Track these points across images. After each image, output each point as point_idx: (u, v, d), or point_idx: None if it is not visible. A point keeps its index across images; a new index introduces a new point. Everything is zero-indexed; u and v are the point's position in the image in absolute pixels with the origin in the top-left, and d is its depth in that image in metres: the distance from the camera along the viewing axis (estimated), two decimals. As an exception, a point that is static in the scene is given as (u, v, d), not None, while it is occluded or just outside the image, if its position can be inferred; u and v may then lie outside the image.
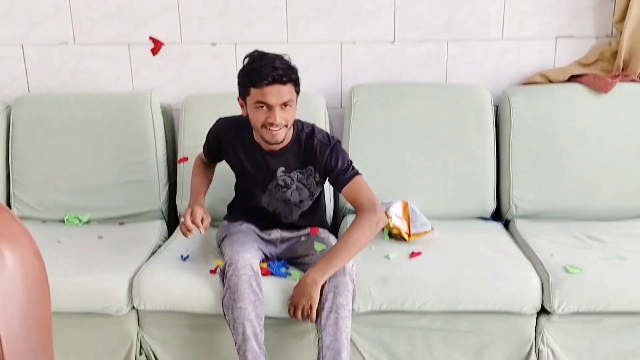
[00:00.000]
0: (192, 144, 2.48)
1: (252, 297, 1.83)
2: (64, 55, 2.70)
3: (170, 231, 2.53)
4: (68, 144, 2.54)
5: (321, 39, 2.65)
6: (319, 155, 2.00)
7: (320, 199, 2.19)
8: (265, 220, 2.15)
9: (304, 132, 2.03)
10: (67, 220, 2.53)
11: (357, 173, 2.02)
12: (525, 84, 2.65)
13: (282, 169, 2.04)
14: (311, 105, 2.50)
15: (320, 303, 1.87)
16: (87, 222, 2.54)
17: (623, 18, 2.49)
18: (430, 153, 2.51)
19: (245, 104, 1.92)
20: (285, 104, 1.86)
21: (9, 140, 2.57)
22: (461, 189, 2.51)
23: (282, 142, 1.95)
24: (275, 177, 2.05)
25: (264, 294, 1.90)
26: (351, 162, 2.04)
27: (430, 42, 2.65)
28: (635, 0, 2.43)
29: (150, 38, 2.67)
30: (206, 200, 2.14)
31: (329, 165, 2.00)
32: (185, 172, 2.50)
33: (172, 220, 2.63)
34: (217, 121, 2.11)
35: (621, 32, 2.50)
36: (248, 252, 1.92)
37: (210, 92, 2.69)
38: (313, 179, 2.06)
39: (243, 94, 1.90)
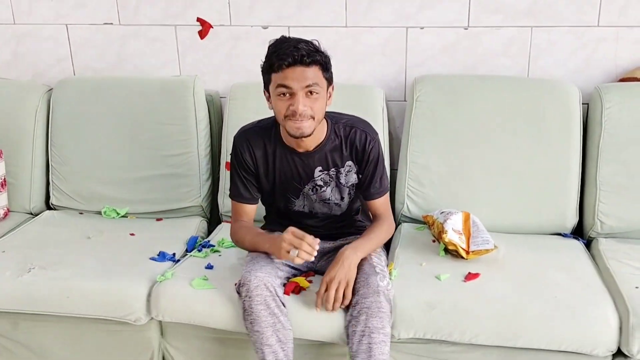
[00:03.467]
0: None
1: (270, 319, 1.74)
2: (108, 37, 2.70)
3: (210, 229, 2.48)
4: (108, 132, 2.53)
5: (384, 23, 2.49)
6: (363, 148, 1.92)
7: (353, 204, 2.07)
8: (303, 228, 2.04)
9: (340, 125, 1.92)
10: (105, 212, 2.53)
11: (388, 188, 2.02)
12: (623, 80, 2.39)
13: (320, 168, 1.94)
14: (368, 99, 2.39)
15: (352, 326, 1.77)
16: (125, 215, 2.53)
17: None
18: (503, 157, 2.32)
19: (269, 95, 1.82)
20: (310, 91, 1.73)
21: (49, 125, 2.60)
22: (537, 199, 2.31)
23: (309, 135, 1.81)
24: (312, 178, 1.95)
25: (292, 314, 1.80)
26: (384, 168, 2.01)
27: (511, 28, 2.43)
28: None
29: (198, 19, 2.60)
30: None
31: (370, 164, 1.94)
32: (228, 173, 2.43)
33: (213, 218, 2.58)
34: (238, 139, 1.95)
35: None
36: (263, 270, 1.80)
37: (259, 80, 2.58)
38: (354, 174, 1.96)
39: (266, 82, 1.81)
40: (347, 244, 2.00)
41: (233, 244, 2.05)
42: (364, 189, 1.98)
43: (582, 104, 2.32)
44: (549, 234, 2.33)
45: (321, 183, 1.96)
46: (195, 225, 2.43)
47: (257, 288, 1.75)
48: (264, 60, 1.78)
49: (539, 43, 2.44)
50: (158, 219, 2.50)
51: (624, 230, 2.25)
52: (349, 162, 1.94)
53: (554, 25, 2.40)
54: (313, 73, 1.73)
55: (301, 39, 1.75)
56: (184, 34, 2.64)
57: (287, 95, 1.74)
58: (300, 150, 1.90)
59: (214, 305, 1.89)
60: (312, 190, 1.97)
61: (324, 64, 1.76)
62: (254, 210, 2.01)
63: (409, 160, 2.36)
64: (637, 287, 1.89)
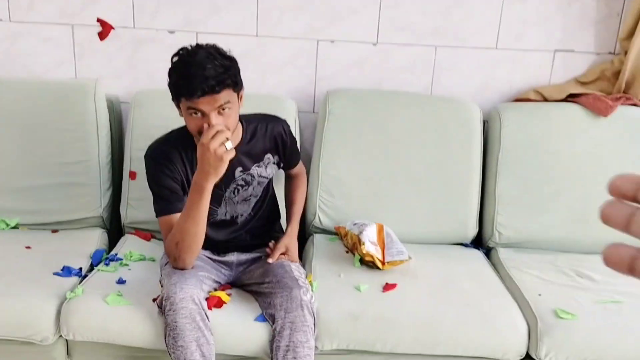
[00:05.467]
0: (142, 146, 2.26)
1: (194, 334, 1.68)
2: (-3, 34, 2.48)
3: (112, 242, 2.34)
4: (-3, 137, 2.32)
5: (296, 35, 2.49)
6: (282, 138, 1.99)
7: (269, 186, 2.07)
8: (218, 242, 1.99)
9: (252, 125, 1.94)
10: (-8, 224, 2.32)
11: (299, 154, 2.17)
12: (518, 100, 2.55)
13: (240, 169, 1.92)
14: (280, 110, 2.34)
15: (276, 341, 1.75)
16: (16, 227, 2.33)
17: (631, 35, 2.39)
18: (410, 170, 2.39)
19: (179, 109, 1.76)
20: (222, 108, 1.69)
21: None
22: (441, 211, 2.40)
23: None
24: (233, 179, 1.92)
25: (215, 329, 1.74)
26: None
27: (417, 46, 2.52)
28: (645, 16, 2.34)
29: (98, 20, 2.46)
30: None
31: (290, 147, 2.03)
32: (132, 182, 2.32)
33: (114, 230, 2.44)
34: (153, 155, 1.85)
35: (626, 51, 2.41)
36: (188, 282, 1.74)
37: (164, 87, 2.49)
38: (274, 165, 2.01)
39: (173, 99, 1.74)
40: (263, 256, 1.99)
41: (175, 264, 1.82)
42: (286, 166, 2.09)
43: (482, 121, 2.44)
44: (452, 243, 2.43)
45: (242, 183, 1.94)
46: (96, 237, 2.29)
47: (182, 300, 1.68)
48: (169, 77, 1.71)
49: (442, 61, 2.54)
50: (54, 231, 2.33)
51: (521, 240, 2.39)
52: (268, 155, 1.96)
53: (457, 45, 2.52)
54: (224, 95, 1.67)
55: (207, 52, 1.67)
56: (82, 34, 2.49)
57: (199, 114, 1.69)
58: None
59: (131, 321, 1.79)
60: (234, 193, 1.94)
61: (234, 84, 1.71)
62: None
63: (320, 171, 2.37)
64: (540, 295, 2.02)
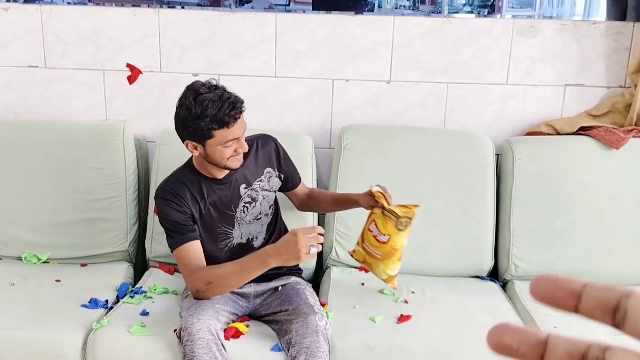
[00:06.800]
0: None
1: None
2: (33, 79, 2.63)
3: (138, 275, 2.43)
4: (31, 175, 2.45)
5: (312, 75, 2.59)
6: (273, 149, 2.10)
7: (277, 206, 2.18)
8: None
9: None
10: (25, 258, 2.43)
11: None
12: (530, 133, 2.59)
13: (244, 185, 2.03)
14: (298, 146, 2.43)
15: None
16: (47, 261, 2.44)
17: (639, 69, 2.43)
18: (424, 203, 2.39)
19: (203, 146, 1.87)
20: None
21: (-32, 167, 2.48)
22: (456, 244, 2.43)
23: None
24: (240, 197, 2.03)
25: (232, 359, 1.80)
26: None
27: (429, 83, 2.59)
28: (652, 51, 2.39)
29: (128, 65, 2.60)
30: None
31: (284, 159, 2.13)
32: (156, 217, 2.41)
33: (140, 263, 2.53)
34: (162, 194, 1.95)
35: (636, 84, 2.45)
36: (205, 313, 1.81)
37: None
38: (276, 178, 2.11)
39: (200, 137, 1.84)
40: (283, 285, 2.05)
41: (197, 296, 1.90)
42: (290, 181, 2.16)
43: (495, 155, 2.49)
44: (468, 276, 2.46)
45: (249, 199, 2.04)
46: (122, 271, 2.38)
47: (199, 331, 1.75)
48: (195, 119, 1.79)
49: (454, 98, 2.60)
50: (83, 264, 2.43)
51: (536, 272, 2.38)
52: (267, 169, 2.08)
53: (468, 82, 2.59)
54: (244, 117, 1.87)
55: (214, 87, 1.83)
56: (112, 78, 2.63)
57: (233, 142, 1.85)
58: (222, 176, 1.98)
59: (153, 352, 1.86)
60: (244, 211, 2.03)
61: None
62: (201, 249, 1.94)
63: (337, 205, 2.44)
64: (555, 327, 2.03)
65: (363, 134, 2.49)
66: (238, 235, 2.05)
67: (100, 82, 2.63)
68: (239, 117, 1.83)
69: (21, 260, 2.43)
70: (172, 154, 2.46)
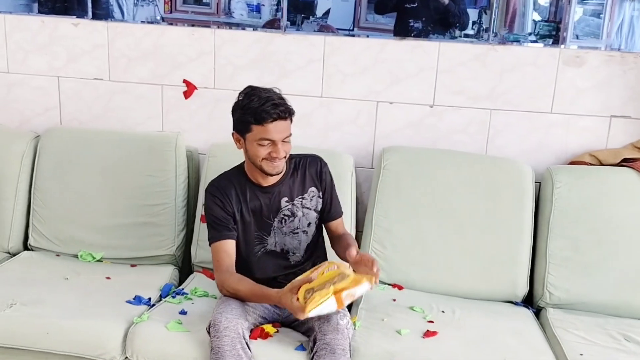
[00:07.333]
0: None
1: (234, 358, 1.83)
2: (97, 91, 2.83)
3: (182, 278, 2.56)
4: (91, 180, 2.63)
5: (357, 96, 2.68)
6: (318, 173, 2.17)
7: (320, 230, 2.24)
8: (269, 280, 2.13)
9: (295, 159, 2.15)
10: (81, 256, 2.60)
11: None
12: (573, 163, 2.60)
13: (286, 199, 2.13)
14: (338, 164, 2.51)
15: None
16: (100, 260, 2.61)
17: (682, 102, 2.43)
18: (461, 226, 2.47)
19: (244, 139, 2.01)
20: (286, 139, 1.99)
21: (34, 169, 2.69)
22: (491, 268, 2.46)
23: (282, 171, 2.06)
24: (280, 209, 2.12)
25: (257, 358, 1.90)
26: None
27: (472, 109, 2.64)
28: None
29: (184, 81, 2.76)
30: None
31: (327, 186, 2.18)
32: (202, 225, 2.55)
33: (185, 267, 2.67)
34: (211, 190, 2.11)
35: (680, 117, 2.43)
36: (233, 312, 1.91)
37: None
38: (317, 198, 2.18)
39: (242, 130, 2.00)
40: None
41: (221, 293, 2.06)
42: (327, 211, 2.19)
43: (535, 182, 2.50)
44: (502, 301, 2.46)
45: (288, 213, 2.13)
46: (169, 273, 2.52)
47: (226, 329, 1.85)
48: (240, 109, 1.98)
49: (497, 124, 2.64)
50: (132, 265, 2.58)
51: (571, 301, 2.39)
52: (312, 188, 2.16)
53: (512, 109, 2.62)
54: (287, 124, 1.98)
55: (271, 91, 1.98)
56: (169, 93, 2.79)
57: (268, 143, 1.96)
58: (266, 184, 2.09)
59: (187, 347, 1.97)
60: (282, 222, 2.12)
61: (292, 116, 1.99)
62: (234, 250, 2.08)
63: (374, 223, 2.50)
64: (581, 355, 2.02)
65: (403, 156, 2.56)
66: (272, 243, 2.15)
67: (159, 96, 2.80)
68: (277, 119, 1.93)
69: (77, 257, 2.61)
70: (221, 165, 2.57)
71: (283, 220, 2.13)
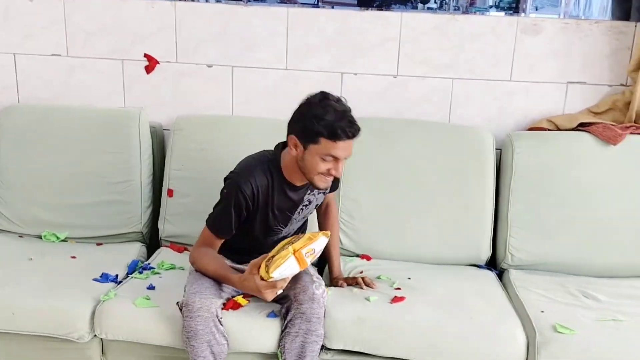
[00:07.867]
0: (180, 167, 2.54)
1: (207, 337, 1.85)
2: (56, 67, 2.77)
3: (150, 254, 2.55)
4: (52, 159, 2.59)
5: (322, 68, 2.68)
6: None
7: None
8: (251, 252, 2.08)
9: None
10: (44, 236, 2.57)
11: None
12: (531, 129, 2.65)
13: (309, 191, 2.10)
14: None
15: (287, 327, 1.92)
16: (65, 240, 2.57)
17: (638, 68, 2.48)
18: (426, 194, 2.51)
19: (305, 149, 1.89)
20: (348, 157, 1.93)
21: (-7, 149, 2.62)
22: (456, 233, 2.51)
23: None
24: (302, 202, 2.09)
25: (230, 329, 1.93)
26: None
27: (435, 79, 2.67)
28: (652, 50, 2.44)
29: (145, 55, 2.72)
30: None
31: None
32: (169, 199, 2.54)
33: (153, 244, 2.65)
34: (243, 184, 1.95)
35: (635, 82, 2.49)
36: (207, 292, 1.92)
37: (202, 114, 2.72)
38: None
39: (307, 139, 1.87)
40: None
41: (191, 265, 2.06)
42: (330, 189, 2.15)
43: (496, 149, 2.55)
44: (466, 265, 2.53)
45: (307, 203, 2.11)
46: (136, 250, 2.51)
47: (199, 310, 1.85)
48: (314, 119, 1.83)
49: (459, 93, 2.67)
50: (98, 244, 2.56)
51: (533, 262, 2.47)
52: None
53: (473, 78, 2.66)
54: (352, 143, 1.90)
55: (343, 103, 1.89)
56: (130, 68, 2.75)
57: (332, 159, 1.89)
58: (299, 184, 2.03)
59: (156, 322, 1.98)
60: (299, 213, 2.11)
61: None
62: (220, 244, 2.06)
63: (341, 194, 2.52)
64: (542, 312, 2.09)
65: (369, 127, 2.50)
66: (286, 232, 2.15)
67: (119, 71, 2.75)
68: (350, 139, 1.85)
69: (41, 238, 2.57)
70: (189, 139, 2.58)
71: (301, 210, 2.12)
